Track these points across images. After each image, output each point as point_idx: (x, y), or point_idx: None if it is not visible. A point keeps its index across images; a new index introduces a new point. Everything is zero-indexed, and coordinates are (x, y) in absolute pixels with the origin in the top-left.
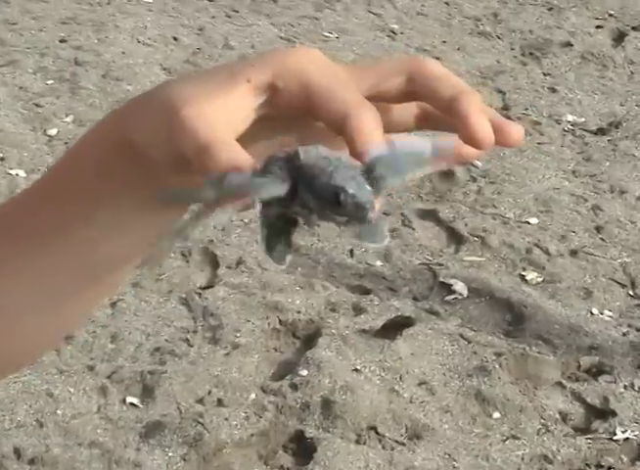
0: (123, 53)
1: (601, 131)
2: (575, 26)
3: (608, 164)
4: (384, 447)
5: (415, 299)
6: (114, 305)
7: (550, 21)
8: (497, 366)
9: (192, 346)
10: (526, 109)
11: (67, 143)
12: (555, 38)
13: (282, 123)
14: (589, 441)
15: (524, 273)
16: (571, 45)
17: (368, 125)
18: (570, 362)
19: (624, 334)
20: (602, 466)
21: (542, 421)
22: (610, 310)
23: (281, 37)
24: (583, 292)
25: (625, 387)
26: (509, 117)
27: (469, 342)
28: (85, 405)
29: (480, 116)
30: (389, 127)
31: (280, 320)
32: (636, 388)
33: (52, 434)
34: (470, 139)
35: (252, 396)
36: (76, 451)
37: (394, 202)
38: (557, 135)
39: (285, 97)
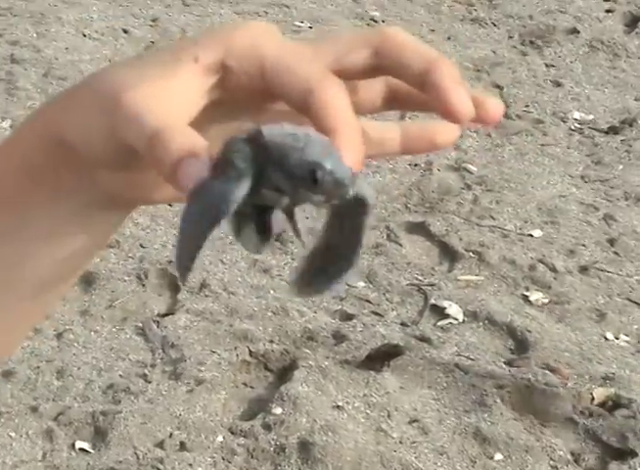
0: (67, 48)
1: (613, 130)
2: (582, 11)
3: (621, 167)
4: None
5: (403, 324)
6: (59, 335)
7: (553, 4)
8: (498, 400)
9: (150, 382)
10: (527, 105)
11: None
12: (559, 24)
13: (237, 107)
14: None
15: (527, 293)
16: (578, 32)
17: (335, 99)
18: (582, 395)
19: None
20: None
21: (551, 463)
22: (626, 335)
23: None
24: (595, 314)
25: None
26: (508, 116)
27: (466, 373)
28: (29, 452)
29: (457, 86)
30: (357, 109)
31: (250, 351)
32: None
33: None
34: (447, 112)
35: (220, 438)
36: None
37: (378, 214)
38: (562, 135)
39: (238, 76)
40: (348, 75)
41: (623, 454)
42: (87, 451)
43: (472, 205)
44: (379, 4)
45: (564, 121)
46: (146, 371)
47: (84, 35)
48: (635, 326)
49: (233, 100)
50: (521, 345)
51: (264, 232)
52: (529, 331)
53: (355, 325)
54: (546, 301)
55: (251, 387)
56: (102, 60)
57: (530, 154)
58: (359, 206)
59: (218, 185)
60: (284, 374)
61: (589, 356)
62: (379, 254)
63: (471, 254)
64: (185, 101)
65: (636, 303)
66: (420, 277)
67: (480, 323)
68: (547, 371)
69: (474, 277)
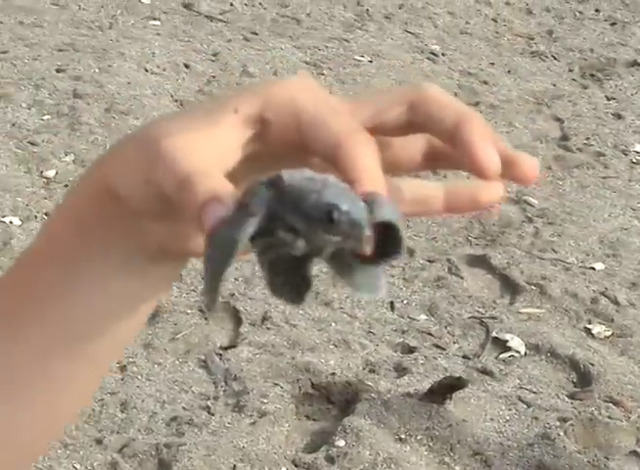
0: (129, 83)
1: None
2: None
3: None
4: None
5: (465, 357)
6: (123, 368)
7: (613, 37)
8: (562, 433)
9: (213, 414)
10: (588, 138)
11: (66, 185)
12: (619, 57)
13: (276, 160)
14: None
15: (589, 326)
16: (638, 65)
17: (363, 153)
18: None
19: None
20: None
21: None
22: None
23: (306, 62)
24: None
25: None
26: (568, 149)
27: (528, 406)
28: None
29: (485, 142)
30: (394, 166)
31: (312, 384)
32: None
33: None
34: (473, 168)
35: None
36: None
37: (440, 247)
38: (624, 168)
39: (275, 129)
40: (385, 132)
41: None
42: None
43: (533, 237)
44: (438, 38)
45: (625, 154)
46: (209, 403)
47: (146, 70)
48: None
49: (271, 152)
50: (583, 378)
51: (304, 281)
52: (592, 364)
53: (417, 358)
54: (608, 333)
55: (314, 419)
56: (163, 94)
57: (592, 186)
58: (389, 228)
59: (227, 227)
60: (346, 407)
61: None
62: (440, 287)
63: (532, 286)
64: (222, 150)
65: None
66: (481, 310)
67: (543, 356)
68: (610, 404)
69: (536, 310)
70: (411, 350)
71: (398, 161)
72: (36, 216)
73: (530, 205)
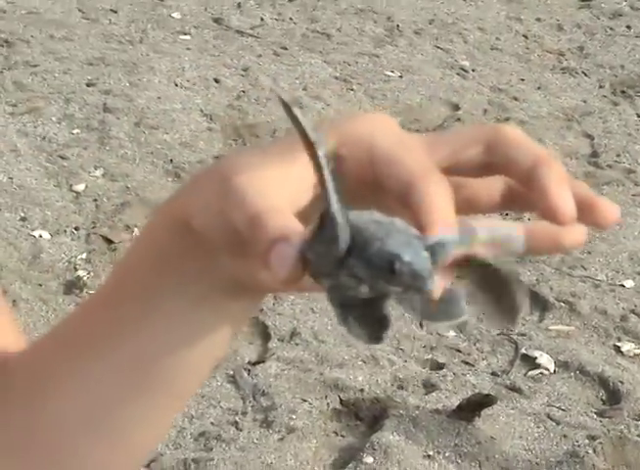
0: (159, 98)
1: None
2: None
3: None
4: None
5: (494, 374)
6: None
7: None
8: (591, 452)
9: (241, 430)
10: (619, 155)
11: (95, 200)
12: None
13: (352, 198)
14: None
15: (619, 344)
16: None
17: (435, 195)
18: None
19: None
20: None
21: None
22: None
23: (336, 77)
24: None
25: None
26: (599, 166)
27: (557, 423)
28: None
29: (561, 186)
30: (471, 205)
31: (341, 400)
32: None
33: None
34: (547, 213)
35: None
36: None
37: None
38: None
39: (349, 165)
40: (461, 172)
41: None
42: None
43: (563, 254)
44: (468, 53)
45: None
46: (237, 419)
47: (176, 85)
48: None
49: (347, 190)
50: (613, 395)
51: (378, 321)
52: (622, 382)
53: (446, 374)
54: (638, 351)
55: (342, 435)
56: (193, 109)
57: (622, 204)
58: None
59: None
60: (374, 423)
61: None
62: (469, 303)
63: (562, 303)
64: (294, 188)
65: None
66: (510, 327)
67: (572, 373)
68: None
69: (565, 327)
70: (440, 366)
71: (476, 200)
72: (65, 231)
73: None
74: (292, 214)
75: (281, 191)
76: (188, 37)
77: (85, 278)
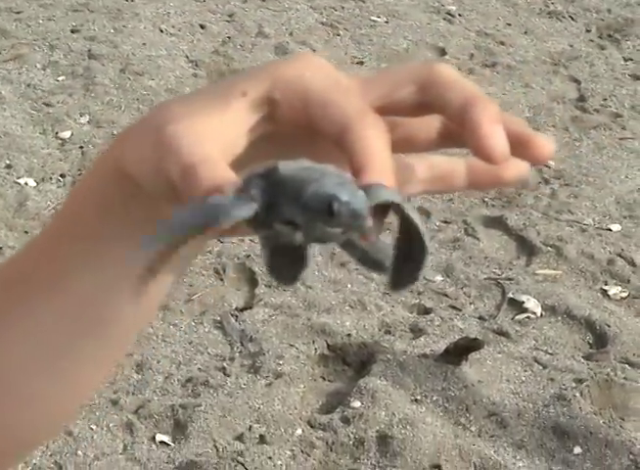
0: (144, 44)
1: None
2: None
3: None
4: None
5: (481, 318)
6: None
7: None
8: (577, 394)
9: (229, 375)
10: (605, 99)
11: (81, 147)
12: (637, 18)
13: (288, 142)
14: None
15: (605, 288)
16: None
17: (371, 136)
18: None
19: None
20: None
21: (631, 457)
22: None
23: (322, 23)
24: None
25: None
26: (585, 110)
27: (544, 367)
28: (109, 445)
29: (492, 125)
30: (408, 143)
31: (328, 345)
32: None
33: None
34: (479, 152)
35: (299, 431)
36: None
37: (456, 208)
38: None
39: (283, 110)
40: (395, 111)
41: None
42: (167, 444)
43: (550, 199)
44: None
45: None
46: (225, 365)
47: (161, 31)
48: None
49: (282, 134)
50: (599, 339)
51: (301, 263)
52: (608, 325)
53: (433, 319)
54: (625, 295)
55: (330, 380)
56: (179, 55)
57: (609, 148)
58: (394, 209)
59: (225, 203)
60: (362, 368)
61: None
62: (456, 248)
63: (549, 248)
64: (230, 135)
65: None
66: (498, 271)
67: (559, 317)
68: (626, 365)
69: (552, 271)
70: (427, 311)
71: (413, 138)
72: (51, 178)
73: (547, 166)
74: (225, 164)
75: (215, 139)
76: None
77: None
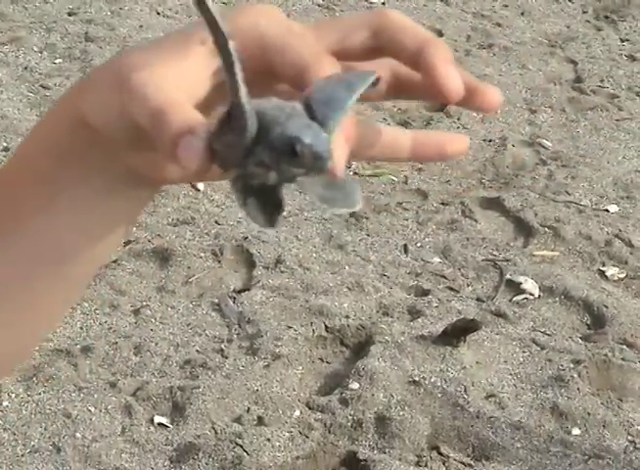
0: (141, 26)
1: None
2: None
3: None
4: None
5: (479, 300)
6: (137, 312)
7: None
8: (576, 376)
9: (227, 357)
10: (602, 80)
11: None
12: None
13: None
14: None
15: (603, 269)
16: None
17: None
18: None
19: None
20: None
21: (629, 438)
22: None
23: (319, 5)
24: None
25: None
26: (582, 91)
27: (542, 348)
28: (108, 427)
29: (447, 64)
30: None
31: (326, 326)
32: None
33: (71, 460)
34: (435, 90)
35: (297, 413)
36: None
37: (453, 190)
38: (638, 110)
39: (241, 56)
40: (349, 56)
41: None
42: (166, 426)
43: (547, 180)
44: None
45: (639, 96)
46: (223, 346)
47: (158, 13)
48: None
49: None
50: (597, 320)
51: (274, 206)
52: (606, 306)
53: (431, 301)
54: (622, 276)
55: (328, 362)
56: None
57: (606, 129)
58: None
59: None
60: (360, 349)
61: None
62: (454, 229)
63: (546, 229)
64: (191, 81)
65: None
66: (495, 252)
67: (557, 298)
68: (624, 346)
69: (549, 252)
70: (425, 292)
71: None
72: None
73: (544, 147)
74: (192, 108)
75: (180, 84)
76: None
77: None
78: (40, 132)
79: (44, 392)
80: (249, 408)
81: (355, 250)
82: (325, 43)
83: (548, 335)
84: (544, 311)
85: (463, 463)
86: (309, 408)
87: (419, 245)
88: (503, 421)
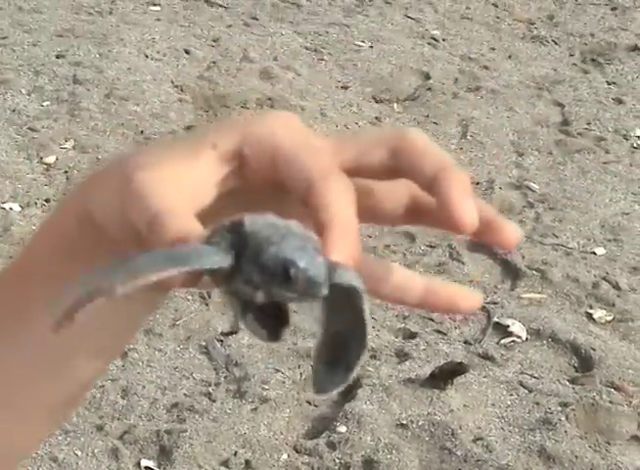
0: (129, 69)
1: None
2: None
3: None
4: None
5: (467, 342)
6: (124, 355)
7: (614, 22)
8: (563, 418)
9: (214, 400)
10: (589, 123)
11: (66, 172)
12: (620, 42)
13: (256, 197)
14: None
15: (590, 311)
16: (639, 49)
17: (336, 194)
18: None
19: None
20: None
21: None
22: None
23: (307, 47)
24: None
25: None
26: (569, 134)
27: (530, 391)
28: None
29: (463, 195)
30: (375, 215)
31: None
32: None
33: None
34: (448, 221)
35: (284, 456)
36: None
37: (440, 232)
38: (624, 152)
39: (252, 165)
40: (365, 174)
41: None
42: None
43: (534, 223)
44: (439, 23)
45: (626, 139)
46: (210, 390)
47: (146, 56)
48: None
49: (250, 189)
50: (585, 363)
51: (278, 318)
52: (593, 349)
53: (418, 343)
54: (610, 318)
55: (315, 405)
56: (164, 80)
57: (593, 171)
58: (351, 294)
59: (198, 250)
60: (347, 392)
61: None
62: (441, 272)
63: (534, 272)
64: (197, 186)
65: None
66: (482, 295)
67: (544, 341)
68: (612, 389)
69: (537, 295)
70: (412, 335)
71: (379, 209)
72: (36, 203)
73: (531, 190)
74: (191, 215)
75: (182, 189)
76: (158, 8)
77: None
78: (49, 229)
79: None
80: (236, 452)
81: None
82: (342, 158)
83: (535, 378)
84: (532, 354)
85: None
86: (297, 452)
87: None
88: (491, 464)
